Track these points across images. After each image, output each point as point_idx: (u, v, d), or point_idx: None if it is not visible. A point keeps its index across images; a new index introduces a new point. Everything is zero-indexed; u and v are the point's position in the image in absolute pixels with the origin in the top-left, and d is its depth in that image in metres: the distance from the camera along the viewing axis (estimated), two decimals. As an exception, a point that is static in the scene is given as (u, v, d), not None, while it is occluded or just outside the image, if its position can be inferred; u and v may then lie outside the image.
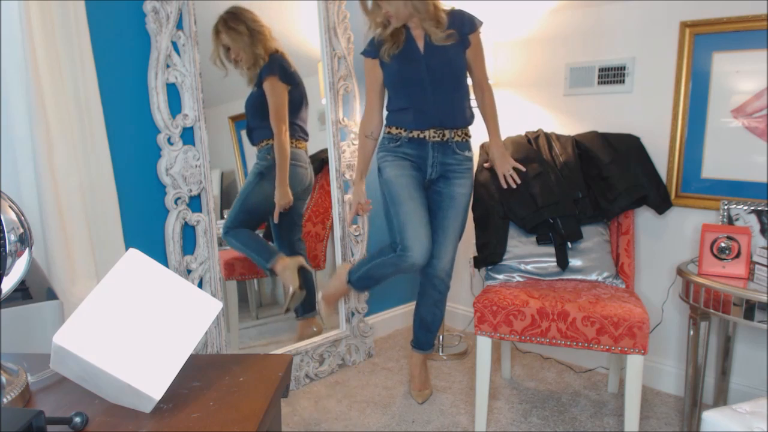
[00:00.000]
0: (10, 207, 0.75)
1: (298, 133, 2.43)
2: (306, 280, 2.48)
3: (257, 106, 2.34)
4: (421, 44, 2.04)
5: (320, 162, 2.57)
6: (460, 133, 2.11)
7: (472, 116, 2.16)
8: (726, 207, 1.97)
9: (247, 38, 2.25)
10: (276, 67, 2.31)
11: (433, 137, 2.08)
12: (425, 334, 2.29)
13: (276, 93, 2.32)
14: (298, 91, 2.41)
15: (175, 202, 1.99)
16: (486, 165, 2.22)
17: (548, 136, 2.29)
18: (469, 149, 2.15)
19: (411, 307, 2.44)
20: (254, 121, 2.37)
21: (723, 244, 1.79)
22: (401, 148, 2.11)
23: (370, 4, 2.06)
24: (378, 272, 2.15)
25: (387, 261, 2.09)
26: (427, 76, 2.03)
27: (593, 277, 2.09)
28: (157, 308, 0.75)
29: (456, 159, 2.11)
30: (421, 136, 2.08)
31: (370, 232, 2.69)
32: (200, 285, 2.05)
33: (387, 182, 2.10)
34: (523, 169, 2.14)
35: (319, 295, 2.38)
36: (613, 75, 2.33)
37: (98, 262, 1.76)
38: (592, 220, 2.13)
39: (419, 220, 2.04)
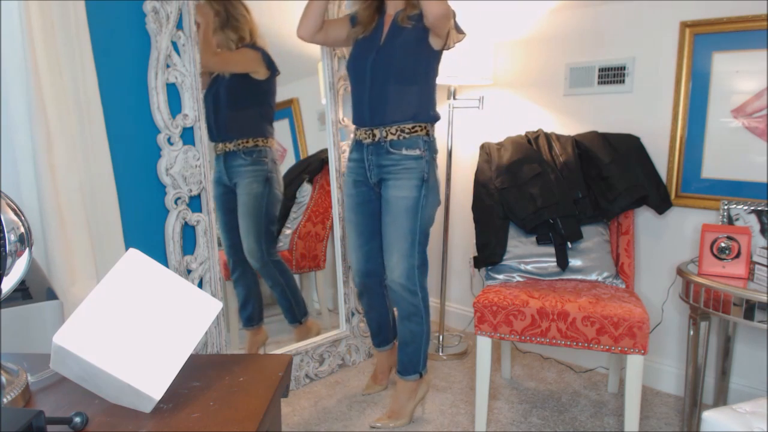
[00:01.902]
0: (10, 207, 0.75)
1: (271, 129, 2.32)
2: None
3: (235, 93, 2.19)
4: (385, 31, 1.95)
5: (320, 162, 2.57)
6: (394, 130, 1.91)
7: (419, 113, 1.93)
8: (726, 207, 1.97)
9: (221, 19, 2.13)
10: (259, 49, 2.24)
11: (365, 138, 1.97)
12: (402, 354, 2.08)
13: (247, 59, 2.21)
14: (274, 84, 2.31)
15: (175, 202, 1.99)
16: None
17: (548, 136, 2.29)
18: (411, 146, 1.91)
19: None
20: (229, 112, 2.20)
21: (723, 244, 1.79)
22: (351, 154, 2.10)
23: None
24: (364, 312, 2.32)
25: None
26: (375, 66, 1.92)
27: (593, 277, 2.09)
28: (157, 308, 0.75)
29: (391, 159, 1.93)
30: (359, 137, 2.02)
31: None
32: (200, 285, 2.05)
33: None
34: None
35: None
36: (613, 75, 2.33)
37: (98, 262, 1.75)
38: (592, 220, 2.13)
39: (353, 241, 2.14)
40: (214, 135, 2.19)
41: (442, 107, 2.81)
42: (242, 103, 2.25)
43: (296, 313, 2.46)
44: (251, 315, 2.40)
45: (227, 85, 2.23)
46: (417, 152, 1.92)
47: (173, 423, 0.69)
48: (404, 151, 1.92)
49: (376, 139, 1.95)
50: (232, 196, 2.31)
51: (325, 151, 2.55)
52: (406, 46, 1.91)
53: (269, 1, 2.33)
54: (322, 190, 2.60)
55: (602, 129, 2.26)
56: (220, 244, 2.19)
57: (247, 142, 2.25)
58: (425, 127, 1.94)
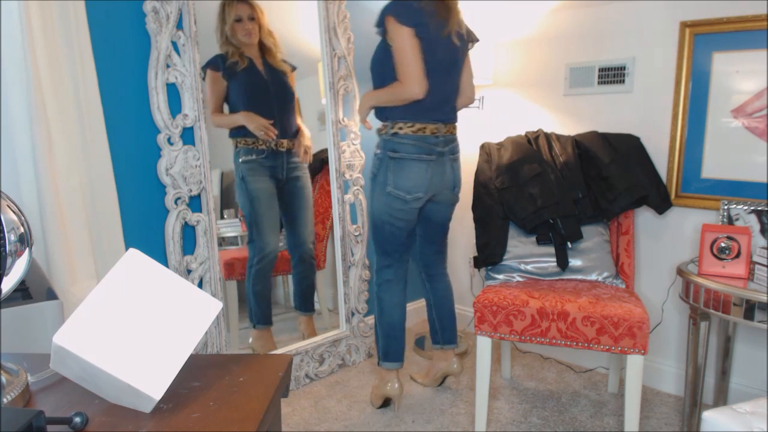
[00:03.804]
0: (10, 207, 0.75)
1: None
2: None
3: (289, 93, 2.40)
4: None
5: (320, 162, 2.57)
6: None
7: (379, 113, 2.04)
8: (726, 207, 1.97)
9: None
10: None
11: None
12: None
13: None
14: None
15: (175, 202, 1.99)
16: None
17: (548, 136, 2.29)
18: (377, 146, 2.05)
19: (411, 307, 2.42)
20: (288, 111, 2.39)
21: (723, 244, 1.79)
22: None
23: None
24: None
25: None
26: None
27: (593, 277, 2.08)
28: (157, 308, 0.75)
29: None
30: None
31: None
32: (200, 285, 2.05)
33: None
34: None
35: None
36: (613, 75, 2.33)
37: (98, 262, 1.76)
38: (592, 220, 2.13)
39: None
40: (279, 132, 2.35)
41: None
42: (292, 104, 2.42)
43: (313, 301, 2.58)
44: (269, 312, 2.46)
45: (280, 84, 2.36)
46: (376, 149, 2.06)
47: (173, 423, 0.69)
48: (375, 150, 2.09)
49: None
50: (279, 192, 2.42)
51: (325, 151, 2.55)
52: (375, 50, 2.04)
53: (269, 0, 2.33)
54: (322, 190, 2.60)
55: (602, 129, 2.26)
56: (220, 244, 2.19)
57: (293, 140, 2.43)
58: (386, 126, 2.01)
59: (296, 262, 2.52)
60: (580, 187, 2.11)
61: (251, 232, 2.34)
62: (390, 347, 2.17)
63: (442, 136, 2.00)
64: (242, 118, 2.26)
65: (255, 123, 2.26)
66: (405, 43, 1.85)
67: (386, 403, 2.21)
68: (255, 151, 2.30)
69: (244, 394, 0.75)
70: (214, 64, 2.12)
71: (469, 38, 2.08)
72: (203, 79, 2.11)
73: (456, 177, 2.10)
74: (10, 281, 0.74)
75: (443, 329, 2.31)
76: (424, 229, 2.22)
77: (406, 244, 2.14)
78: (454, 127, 2.07)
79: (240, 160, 2.29)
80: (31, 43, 1.54)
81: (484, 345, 1.92)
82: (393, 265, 2.14)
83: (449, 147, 2.04)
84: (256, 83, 2.29)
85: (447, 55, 1.97)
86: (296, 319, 2.57)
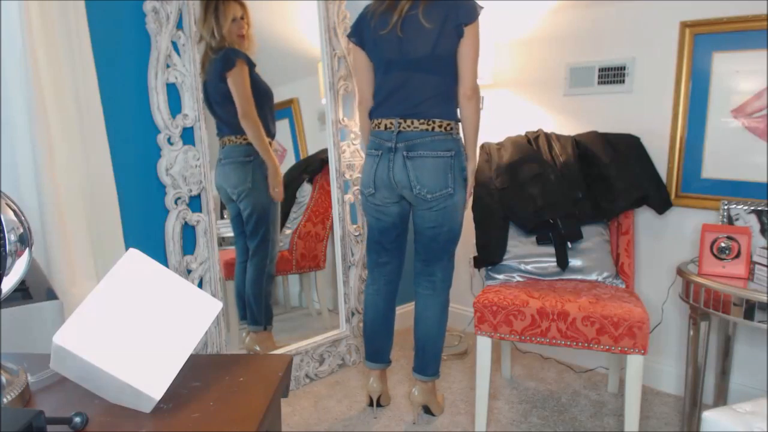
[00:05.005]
0: (10, 207, 0.75)
1: None
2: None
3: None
4: None
5: (320, 162, 2.57)
6: None
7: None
8: (726, 207, 1.97)
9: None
10: None
11: None
12: None
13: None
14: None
15: (175, 202, 1.99)
16: None
17: (548, 136, 2.29)
18: None
19: (410, 307, 2.42)
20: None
21: (723, 244, 1.79)
22: None
23: None
24: None
25: None
26: None
27: (593, 277, 2.08)
28: (157, 308, 0.75)
29: None
30: None
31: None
32: (200, 285, 2.05)
33: None
34: None
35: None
36: (613, 75, 2.33)
37: (98, 262, 1.75)
38: (592, 220, 2.13)
39: None
40: (274, 132, 2.37)
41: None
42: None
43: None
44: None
45: (266, 85, 2.33)
46: None
47: (173, 423, 0.69)
48: None
49: None
50: None
51: (325, 151, 2.55)
52: None
53: (269, 0, 2.33)
54: (322, 190, 2.60)
55: (602, 129, 2.26)
56: (220, 244, 2.19)
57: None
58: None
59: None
60: (580, 187, 2.11)
61: (268, 232, 2.32)
62: (366, 347, 2.20)
63: (397, 131, 1.89)
64: (274, 163, 2.28)
65: (277, 177, 2.29)
66: (354, 60, 2.07)
67: (377, 401, 2.19)
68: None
69: (244, 394, 0.76)
70: (248, 60, 2.12)
71: (450, 21, 1.91)
72: (228, 71, 2.11)
73: (413, 176, 1.88)
74: (10, 281, 0.74)
75: (415, 354, 2.12)
76: (414, 236, 2.09)
77: (382, 245, 2.08)
78: (424, 123, 1.88)
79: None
80: (31, 43, 1.54)
81: (484, 345, 1.92)
82: (370, 265, 2.17)
83: (407, 143, 1.88)
84: (261, 84, 2.28)
85: (392, 51, 1.90)
86: (247, 335, 2.38)
